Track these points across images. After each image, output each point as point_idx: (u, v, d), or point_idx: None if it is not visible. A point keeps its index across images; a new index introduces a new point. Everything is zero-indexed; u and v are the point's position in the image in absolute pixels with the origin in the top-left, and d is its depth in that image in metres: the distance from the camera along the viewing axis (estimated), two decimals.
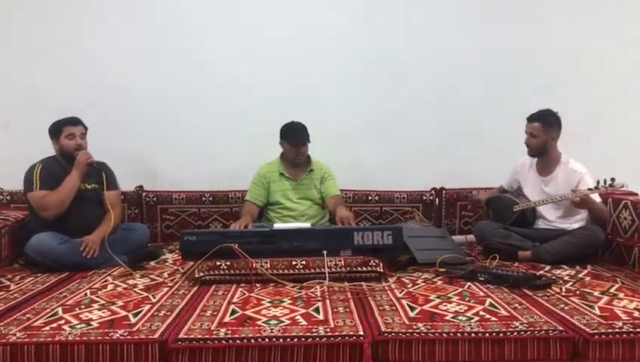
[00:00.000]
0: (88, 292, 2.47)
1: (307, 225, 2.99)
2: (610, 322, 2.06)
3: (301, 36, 3.83)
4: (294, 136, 3.39)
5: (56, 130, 3.06)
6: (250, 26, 3.82)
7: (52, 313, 2.17)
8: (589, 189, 2.98)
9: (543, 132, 3.17)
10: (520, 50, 3.87)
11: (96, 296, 2.40)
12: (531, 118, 3.21)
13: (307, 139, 3.40)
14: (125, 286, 2.58)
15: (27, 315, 2.14)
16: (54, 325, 2.03)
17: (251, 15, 3.83)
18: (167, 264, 3.05)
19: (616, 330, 1.99)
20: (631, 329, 1.99)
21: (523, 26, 3.88)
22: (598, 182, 2.97)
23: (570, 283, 2.62)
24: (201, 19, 3.81)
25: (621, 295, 2.41)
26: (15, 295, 2.43)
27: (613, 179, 2.92)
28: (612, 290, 2.49)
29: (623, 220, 3.05)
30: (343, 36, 3.87)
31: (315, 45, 3.84)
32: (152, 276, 2.77)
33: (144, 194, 3.64)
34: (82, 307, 2.24)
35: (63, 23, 3.74)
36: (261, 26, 3.82)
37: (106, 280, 2.68)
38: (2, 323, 2.05)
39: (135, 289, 2.53)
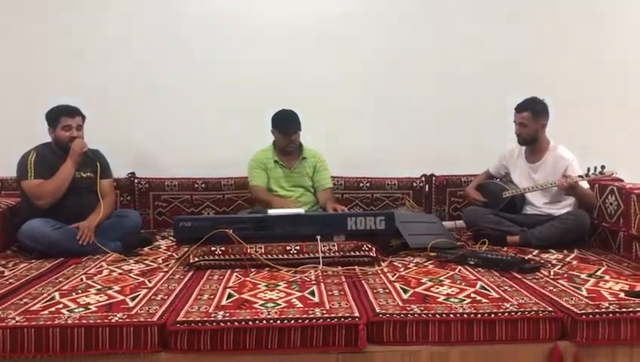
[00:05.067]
0: (84, 277, 2.48)
1: (301, 210, 3.01)
2: (596, 303, 2.12)
3: (291, 24, 3.83)
4: (285, 124, 3.40)
5: (54, 119, 3.04)
6: (240, 15, 3.81)
7: (49, 297, 2.18)
8: (580, 176, 3.02)
9: (533, 120, 3.19)
10: (510, 41, 3.91)
11: (92, 281, 2.41)
12: (520, 108, 3.22)
13: (298, 127, 3.41)
14: (120, 271, 2.60)
15: (24, 300, 2.15)
16: (53, 309, 2.04)
17: (243, 5, 3.82)
18: (160, 250, 3.07)
19: (603, 310, 2.05)
20: (617, 310, 2.05)
21: (514, 18, 3.93)
22: (588, 169, 3.01)
23: (558, 266, 2.68)
24: (193, 10, 3.80)
25: (607, 277, 2.48)
26: (10, 280, 2.43)
27: (603, 167, 2.97)
28: (598, 273, 2.55)
29: (608, 205, 3.12)
30: (333, 24, 3.87)
31: (306, 33, 3.85)
32: (146, 262, 2.79)
33: (136, 181, 3.63)
34: (79, 291, 2.26)
35: (59, 15, 3.71)
36: (252, 14, 3.82)
37: (100, 266, 2.69)
38: (0, 308, 2.05)
39: (130, 274, 2.55)
